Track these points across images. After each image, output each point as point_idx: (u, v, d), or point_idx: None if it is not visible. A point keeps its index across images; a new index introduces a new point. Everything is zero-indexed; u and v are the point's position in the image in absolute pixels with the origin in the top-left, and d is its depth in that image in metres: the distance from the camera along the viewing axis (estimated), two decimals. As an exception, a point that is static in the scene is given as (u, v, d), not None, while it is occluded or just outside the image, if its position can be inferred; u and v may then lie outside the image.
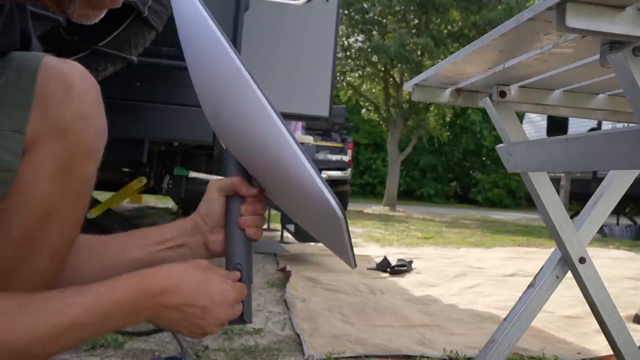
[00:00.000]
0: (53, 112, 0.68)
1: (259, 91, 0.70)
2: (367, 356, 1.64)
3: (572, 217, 1.23)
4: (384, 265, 3.29)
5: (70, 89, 0.69)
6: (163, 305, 0.73)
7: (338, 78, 13.51)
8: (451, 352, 1.68)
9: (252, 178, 0.86)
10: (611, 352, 1.26)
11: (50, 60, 0.70)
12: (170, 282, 0.73)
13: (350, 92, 14.87)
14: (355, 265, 0.82)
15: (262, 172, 0.83)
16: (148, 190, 3.46)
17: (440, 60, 1.59)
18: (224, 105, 0.80)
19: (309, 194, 0.70)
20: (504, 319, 1.25)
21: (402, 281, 2.98)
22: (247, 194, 0.85)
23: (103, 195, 3.53)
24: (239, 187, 0.85)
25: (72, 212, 0.73)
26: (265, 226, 5.29)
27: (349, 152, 9.78)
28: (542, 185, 1.21)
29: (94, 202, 3.15)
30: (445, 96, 1.28)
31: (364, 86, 14.83)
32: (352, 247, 0.76)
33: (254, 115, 0.72)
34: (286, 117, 2.66)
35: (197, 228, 0.87)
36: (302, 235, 3.61)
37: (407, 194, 21.53)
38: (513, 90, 1.17)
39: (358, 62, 14.14)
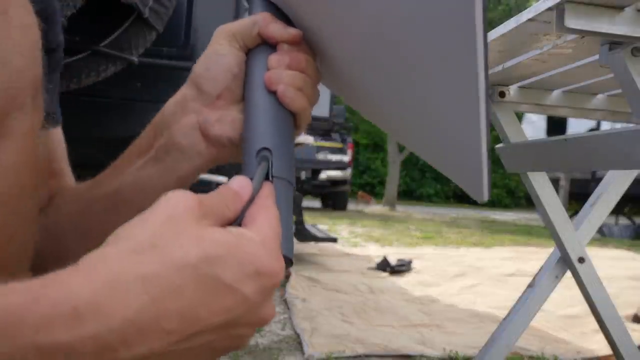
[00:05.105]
0: None
1: None
2: (367, 356, 1.64)
3: (571, 217, 1.23)
4: (384, 265, 3.29)
5: None
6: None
7: (338, 78, 13.48)
8: (451, 351, 1.69)
9: (289, 21, 0.52)
10: (610, 352, 1.26)
11: None
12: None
13: (350, 92, 14.87)
14: (488, 197, 0.42)
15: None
16: (148, 190, 3.45)
17: (440, 61, 1.58)
18: None
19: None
20: (504, 319, 1.25)
21: (402, 281, 2.98)
22: (280, 36, 0.49)
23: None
24: (266, 27, 0.49)
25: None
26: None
27: (349, 152, 9.77)
28: (541, 185, 1.21)
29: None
30: (445, 96, 1.28)
31: (364, 86, 14.82)
32: (488, 160, 0.40)
33: None
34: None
35: (185, 105, 0.51)
36: (302, 235, 3.61)
37: (407, 194, 21.50)
38: (512, 91, 1.18)
39: (358, 62, 14.14)
